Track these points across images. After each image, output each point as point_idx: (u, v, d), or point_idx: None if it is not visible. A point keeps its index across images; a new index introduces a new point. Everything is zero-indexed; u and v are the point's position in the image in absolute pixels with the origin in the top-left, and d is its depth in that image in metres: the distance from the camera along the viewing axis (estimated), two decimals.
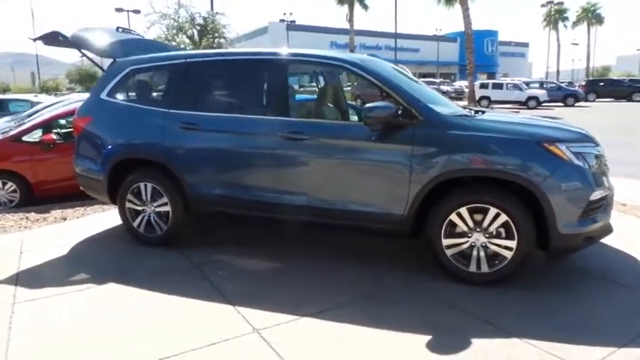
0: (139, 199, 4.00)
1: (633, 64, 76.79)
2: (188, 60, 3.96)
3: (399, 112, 3.19)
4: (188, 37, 18.25)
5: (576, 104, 26.54)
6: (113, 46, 4.26)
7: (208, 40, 17.65)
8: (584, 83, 32.72)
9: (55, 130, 6.37)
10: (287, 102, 3.58)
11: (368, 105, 3.18)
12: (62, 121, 6.60)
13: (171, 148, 3.80)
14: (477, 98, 25.28)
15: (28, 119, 7.71)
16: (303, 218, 3.50)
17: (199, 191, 3.78)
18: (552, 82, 31.03)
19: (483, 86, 27.45)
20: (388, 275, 3.36)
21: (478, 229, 3.10)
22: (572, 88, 29.55)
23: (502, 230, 3.06)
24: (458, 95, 33.90)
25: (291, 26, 45.94)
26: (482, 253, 3.12)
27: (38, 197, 6.06)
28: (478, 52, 33.58)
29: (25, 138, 6.16)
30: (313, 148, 3.41)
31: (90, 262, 3.72)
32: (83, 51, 4.25)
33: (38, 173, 6.06)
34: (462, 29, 25.73)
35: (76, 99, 7.83)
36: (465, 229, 3.12)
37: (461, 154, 3.07)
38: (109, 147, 4.03)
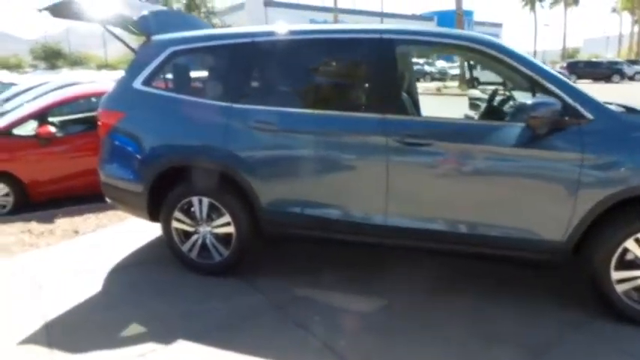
0: (190, 218, 3.14)
1: (599, 46, 78.57)
2: (256, 39, 3.04)
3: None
4: None
5: None
6: (147, 19, 3.29)
7: (197, 15, 16.29)
8: (565, 65, 32.72)
9: (51, 121, 5.31)
10: (400, 95, 2.76)
11: (530, 101, 2.43)
12: (57, 110, 5.52)
13: (237, 152, 2.94)
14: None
15: (7, 105, 6.61)
16: (425, 245, 2.75)
17: (277, 209, 2.95)
18: None
19: (471, 67, 26.89)
20: (533, 312, 2.67)
21: None
22: (559, 70, 29.46)
23: None
24: (442, 76, 33.32)
25: (270, 2, 44.09)
26: None
27: (35, 201, 5.06)
28: None
29: (16, 131, 5.09)
30: (443, 157, 2.64)
31: (140, 304, 2.84)
32: (107, 27, 3.29)
33: (34, 173, 5.04)
34: (438, 9, 24.98)
35: (69, 81, 6.76)
36: None
37: None
38: (151, 151, 3.12)
